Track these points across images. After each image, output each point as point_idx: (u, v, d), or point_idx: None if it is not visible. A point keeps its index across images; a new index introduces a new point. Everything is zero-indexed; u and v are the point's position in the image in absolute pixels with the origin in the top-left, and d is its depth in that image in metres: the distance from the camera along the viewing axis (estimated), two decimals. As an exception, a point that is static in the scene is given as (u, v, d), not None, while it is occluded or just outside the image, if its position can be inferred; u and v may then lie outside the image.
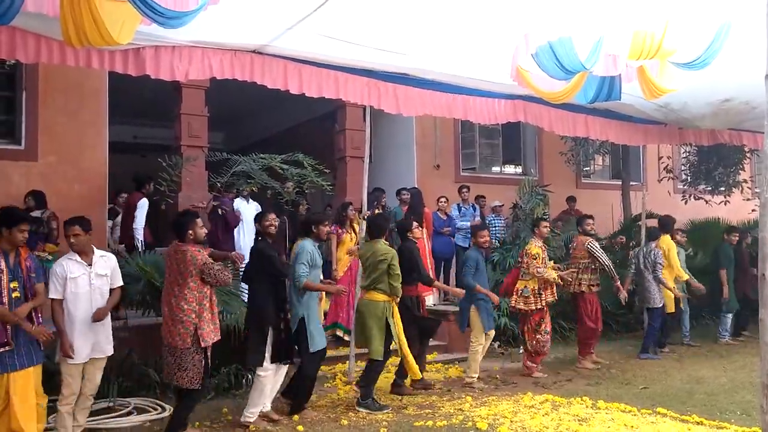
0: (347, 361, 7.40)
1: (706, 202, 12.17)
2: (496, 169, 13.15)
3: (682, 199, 12.37)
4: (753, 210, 13.15)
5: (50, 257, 7.65)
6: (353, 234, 8.54)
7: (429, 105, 7.59)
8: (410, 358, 6.24)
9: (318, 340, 5.76)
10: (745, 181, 12.42)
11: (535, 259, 7.47)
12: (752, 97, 8.38)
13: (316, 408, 6.07)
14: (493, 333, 7.19)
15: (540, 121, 8.53)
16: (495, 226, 11.34)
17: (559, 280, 7.57)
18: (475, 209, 10.95)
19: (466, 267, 7.05)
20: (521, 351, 8.10)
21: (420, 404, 6.26)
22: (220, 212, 7.63)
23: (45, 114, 8.65)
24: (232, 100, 11.36)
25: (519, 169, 13.50)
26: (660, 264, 8.49)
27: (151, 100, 12.86)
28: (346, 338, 8.09)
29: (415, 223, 7.41)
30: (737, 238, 9.90)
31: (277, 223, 5.86)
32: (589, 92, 7.25)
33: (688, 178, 12.31)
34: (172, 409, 5.97)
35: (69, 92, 8.78)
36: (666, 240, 8.95)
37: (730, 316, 9.59)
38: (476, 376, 6.99)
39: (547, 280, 7.42)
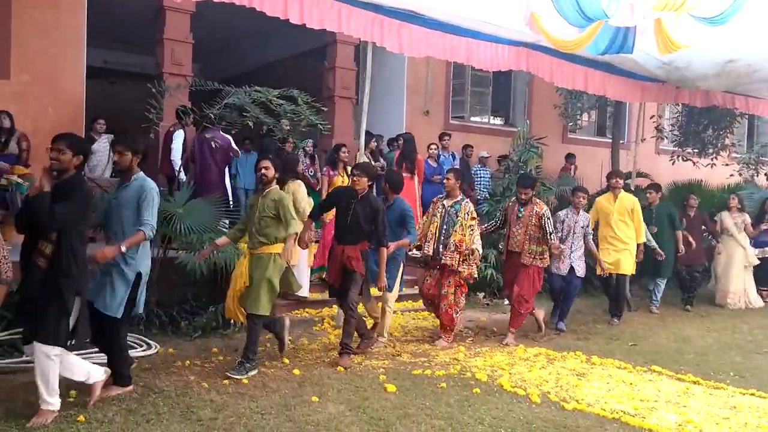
0: (334, 305, 7.24)
1: (694, 163, 12.21)
2: (484, 118, 12.91)
3: (670, 160, 12.38)
4: (731, 175, 13.32)
5: (20, 180, 7.26)
6: (345, 177, 8.28)
7: (433, 46, 7.29)
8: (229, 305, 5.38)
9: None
10: (733, 144, 12.47)
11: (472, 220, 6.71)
12: (755, 60, 8.32)
13: (310, 351, 5.93)
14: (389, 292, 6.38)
15: (541, 70, 8.33)
16: (481, 177, 11.22)
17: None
18: (454, 158, 10.75)
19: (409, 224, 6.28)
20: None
21: (414, 352, 6.17)
22: (213, 146, 7.25)
23: (19, 29, 8.04)
24: (212, 29, 10.79)
25: (500, 120, 13.30)
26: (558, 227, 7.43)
27: (126, 22, 12.16)
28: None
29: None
30: (654, 196, 8.97)
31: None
32: (600, 44, 7.05)
33: (679, 138, 12.27)
34: (157, 346, 5.83)
35: (44, 7, 8.16)
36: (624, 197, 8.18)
37: (663, 282, 8.85)
38: (386, 336, 6.48)
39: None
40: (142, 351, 5.72)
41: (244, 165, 9.38)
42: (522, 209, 6.81)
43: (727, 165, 13.03)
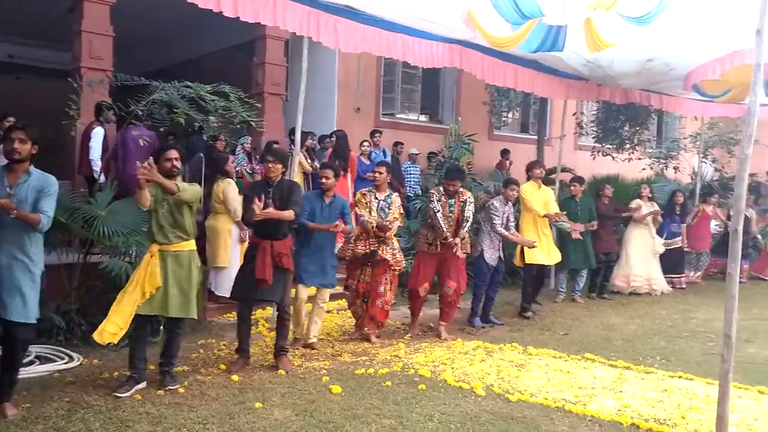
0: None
1: (613, 158, 12.72)
2: (413, 116, 12.98)
3: (591, 155, 12.85)
4: (643, 168, 13.99)
5: None
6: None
7: (369, 42, 7.22)
8: (110, 319, 4.72)
9: None
10: (648, 140, 13.07)
11: (356, 205, 6.56)
12: (672, 59, 8.72)
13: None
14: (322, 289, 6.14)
15: (474, 68, 8.43)
16: (411, 174, 11.27)
17: (376, 228, 6.40)
18: (386, 155, 10.76)
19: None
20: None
21: (354, 351, 6.11)
22: (142, 143, 6.92)
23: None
24: (134, 21, 10.32)
25: (429, 117, 13.41)
26: (493, 215, 7.32)
27: (36, 15, 11.48)
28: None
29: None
30: (578, 189, 9.10)
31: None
32: (532, 42, 7.18)
33: (598, 134, 12.75)
34: (80, 358, 5.50)
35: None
36: (527, 185, 8.13)
37: (567, 272, 9.00)
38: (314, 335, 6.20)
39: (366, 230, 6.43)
40: (64, 363, 5.37)
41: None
42: (452, 202, 6.81)
43: (640, 159, 13.67)
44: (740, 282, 10.69)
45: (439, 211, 6.70)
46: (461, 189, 6.89)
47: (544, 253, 7.93)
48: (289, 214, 5.35)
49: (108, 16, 8.86)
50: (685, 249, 10.73)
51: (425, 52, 7.77)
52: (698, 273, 11.12)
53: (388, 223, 6.38)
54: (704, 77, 9.14)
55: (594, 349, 6.30)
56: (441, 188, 6.92)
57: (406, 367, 5.50)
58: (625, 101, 10.76)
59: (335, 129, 10.25)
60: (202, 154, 8.06)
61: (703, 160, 13.38)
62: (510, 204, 7.52)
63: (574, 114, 12.92)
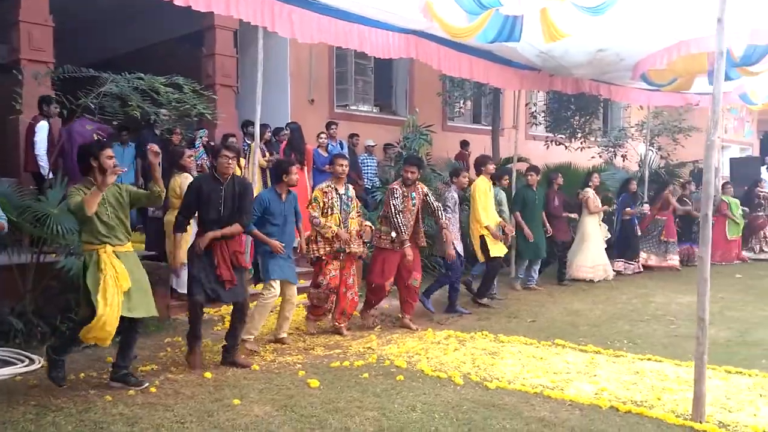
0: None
1: (566, 147, 12.98)
2: (367, 107, 12.91)
3: (544, 144, 13.07)
4: (593, 157, 14.35)
5: None
6: (237, 168, 7.89)
7: (325, 32, 7.09)
8: (104, 323, 4.36)
9: None
10: (599, 129, 13.38)
11: (312, 203, 6.35)
12: (623, 49, 8.92)
13: (217, 353, 5.58)
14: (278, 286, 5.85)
15: (430, 59, 8.41)
16: (368, 166, 11.21)
17: (335, 237, 6.25)
18: (342, 147, 10.68)
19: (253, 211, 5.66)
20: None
21: (326, 345, 6.03)
22: (96, 137, 6.60)
23: None
24: (75, 10, 9.90)
25: (383, 109, 13.38)
26: (449, 207, 7.36)
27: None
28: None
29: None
30: (535, 178, 9.08)
31: None
32: (489, 33, 7.20)
33: (551, 124, 12.98)
34: (42, 360, 5.22)
35: None
36: (476, 182, 8.00)
37: (526, 261, 9.06)
38: (254, 335, 5.75)
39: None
40: (25, 366, 5.01)
41: (121, 158, 8.67)
42: (414, 194, 6.72)
43: (589, 148, 14.02)
44: (687, 265, 11.09)
45: (400, 212, 6.54)
46: (419, 182, 6.82)
47: (500, 245, 7.95)
48: (236, 229, 5.24)
49: (47, 4, 8.46)
50: (663, 239, 11.04)
51: (381, 43, 7.70)
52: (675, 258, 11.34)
53: (348, 237, 6.32)
54: (652, 67, 9.40)
55: (562, 334, 6.39)
56: (400, 182, 6.78)
57: (381, 359, 5.45)
58: (576, 91, 10.96)
59: (289, 121, 10.08)
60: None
61: (650, 148, 13.81)
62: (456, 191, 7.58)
63: (527, 104, 13.11)
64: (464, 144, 12.37)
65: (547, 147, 13.11)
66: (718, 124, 3.99)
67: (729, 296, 8.54)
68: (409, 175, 6.71)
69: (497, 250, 7.84)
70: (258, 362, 5.34)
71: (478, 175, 8.14)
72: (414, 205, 6.73)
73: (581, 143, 13.03)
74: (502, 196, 8.50)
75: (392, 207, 6.56)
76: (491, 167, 8.22)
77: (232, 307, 5.39)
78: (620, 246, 10.59)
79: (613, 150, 14.71)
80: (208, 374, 4.95)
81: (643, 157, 14.87)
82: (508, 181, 8.96)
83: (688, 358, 5.47)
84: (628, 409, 4.23)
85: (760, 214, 13.46)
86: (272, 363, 5.36)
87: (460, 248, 7.46)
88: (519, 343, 6.07)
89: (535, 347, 5.94)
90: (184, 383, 4.76)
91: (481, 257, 7.92)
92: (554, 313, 7.58)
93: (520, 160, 10.48)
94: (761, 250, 13.43)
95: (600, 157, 14.57)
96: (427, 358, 5.51)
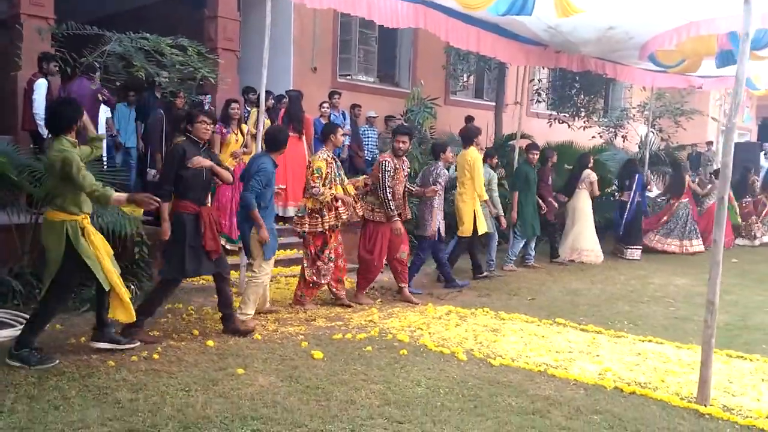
0: (236, 271, 6.84)
1: (569, 126, 12.88)
2: (370, 78, 12.74)
3: (547, 122, 12.97)
4: (593, 137, 14.27)
5: None
6: (239, 135, 7.80)
7: (333, -3, 6.97)
8: (121, 293, 4.49)
9: None
10: (601, 108, 13.28)
11: (314, 174, 6.10)
12: (633, 28, 8.78)
13: (218, 321, 5.55)
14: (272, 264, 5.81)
15: (438, 29, 8.25)
16: (369, 138, 11.10)
17: (336, 203, 6.17)
18: (345, 117, 10.55)
19: (255, 179, 5.42)
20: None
21: (327, 316, 6.01)
22: (101, 98, 6.47)
23: None
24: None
25: (386, 80, 13.21)
26: (440, 184, 7.22)
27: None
28: (229, 247, 7.52)
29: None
30: (537, 156, 9.09)
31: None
32: (501, 5, 7.06)
33: (555, 101, 12.88)
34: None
35: None
36: (471, 152, 7.74)
37: (522, 241, 8.92)
38: (251, 313, 5.60)
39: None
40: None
41: (127, 120, 8.53)
42: (404, 166, 6.62)
43: (590, 128, 13.94)
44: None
45: (391, 188, 6.42)
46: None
47: (484, 220, 7.82)
48: (228, 176, 5.27)
49: (47, -43, 8.21)
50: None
51: (390, 11, 7.54)
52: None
53: (353, 201, 6.30)
54: (661, 47, 9.26)
55: (562, 313, 6.40)
56: (390, 154, 6.61)
57: (383, 332, 5.44)
58: (581, 69, 10.82)
59: (290, 89, 9.93)
60: (162, 111, 7.62)
61: (651, 129, 13.75)
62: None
63: (531, 81, 12.99)
64: (469, 119, 12.24)
65: (550, 125, 13.01)
66: (738, 106, 3.92)
67: (726, 280, 8.46)
68: (401, 145, 6.58)
69: (483, 227, 7.74)
70: (260, 332, 5.31)
71: (466, 146, 7.86)
72: (405, 177, 6.66)
73: (584, 122, 12.93)
74: (493, 176, 8.37)
75: (384, 180, 6.42)
76: (480, 140, 8.09)
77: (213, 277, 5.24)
78: (632, 229, 10.38)
79: (614, 130, 14.63)
80: (210, 342, 4.93)
81: (643, 139, 14.84)
82: (496, 161, 8.84)
83: (689, 341, 5.53)
84: (633, 390, 4.24)
85: (749, 200, 13.33)
86: (274, 333, 5.33)
87: (443, 227, 7.33)
88: (520, 321, 6.07)
89: (536, 325, 5.94)
90: (187, 351, 4.74)
91: (468, 232, 7.66)
92: (554, 291, 7.58)
93: (523, 136, 10.39)
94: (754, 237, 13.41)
95: (600, 137, 14.49)
96: (430, 333, 5.50)
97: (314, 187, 6.07)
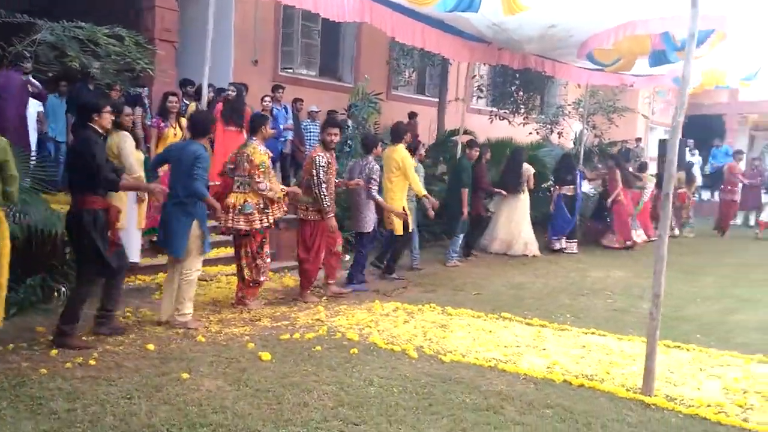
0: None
1: (509, 122, 13.07)
2: (312, 72, 12.57)
3: (488, 118, 13.12)
4: (530, 133, 14.56)
5: None
6: (178, 129, 7.54)
7: (279, -13, 6.82)
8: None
9: None
10: (539, 105, 13.55)
11: (260, 169, 5.88)
12: (574, 26, 8.98)
13: (160, 324, 5.35)
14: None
15: (383, 24, 8.22)
16: (310, 132, 10.95)
17: (286, 198, 6.16)
18: (287, 111, 10.39)
19: (199, 167, 5.19)
20: (348, 258, 7.95)
21: (272, 316, 5.87)
22: (31, 90, 6.09)
23: None
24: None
25: (328, 74, 13.07)
26: (375, 180, 7.12)
27: None
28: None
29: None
30: (477, 153, 9.17)
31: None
32: (448, 1, 7.09)
33: (496, 98, 13.05)
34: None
35: None
36: (400, 150, 7.54)
37: (461, 236, 8.97)
38: (190, 312, 5.37)
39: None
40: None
41: (57, 110, 8.09)
42: (333, 160, 6.50)
43: (528, 124, 14.21)
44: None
45: (326, 183, 6.29)
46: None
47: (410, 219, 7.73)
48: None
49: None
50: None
51: (336, 5, 7.43)
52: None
53: (299, 191, 6.25)
54: (599, 46, 9.51)
55: (507, 307, 6.47)
56: (321, 147, 6.48)
57: (331, 331, 5.35)
58: (522, 66, 11.01)
59: (231, 81, 9.69)
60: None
61: (586, 126, 14.13)
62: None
63: (474, 77, 13.11)
64: (412, 115, 12.26)
65: (491, 121, 13.18)
66: (684, 105, 4.03)
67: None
68: (333, 137, 6.46)
69: (412, 223, 7.68)
70: (203, 333, 5.14)
71: (395, 143, 7.66)
72: (335, 171, 6.53)
73: (524, 119, 13.17)
74: (419, 168, 8.20)
75: (319, 176, 6.26)
76: (409, 137, 8.01)
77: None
78: (565, 224, 10.64)
79: (550, 127, 14.96)
80: (150, 346, 4.72)
81: (578, 135, 15.23)
82: (423, 154, 8.75)
83: (629, 332, 5.69)
84: (581, 383, 4.31)
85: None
86: (218, 334, 5.16)
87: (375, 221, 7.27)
88: (467, 316, 6.10)
89: (483, 320, 5.98)
90: (126, 356, 4.52)
91: (401, 230, 7.51)
92: (498, 286, 7.67)
93: (465, 132, 10.47)
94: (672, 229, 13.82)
95: (537, 133, 14.80)
96: (379, 330, 5.45)
97: (260, 182, 5.88)
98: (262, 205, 5.94)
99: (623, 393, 4.15)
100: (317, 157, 6.35)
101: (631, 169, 12.34)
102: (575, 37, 9.40)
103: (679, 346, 5.31)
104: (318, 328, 5.42)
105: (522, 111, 13.04)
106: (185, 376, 4.13)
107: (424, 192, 7.66)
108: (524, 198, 10.07)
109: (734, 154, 15.14)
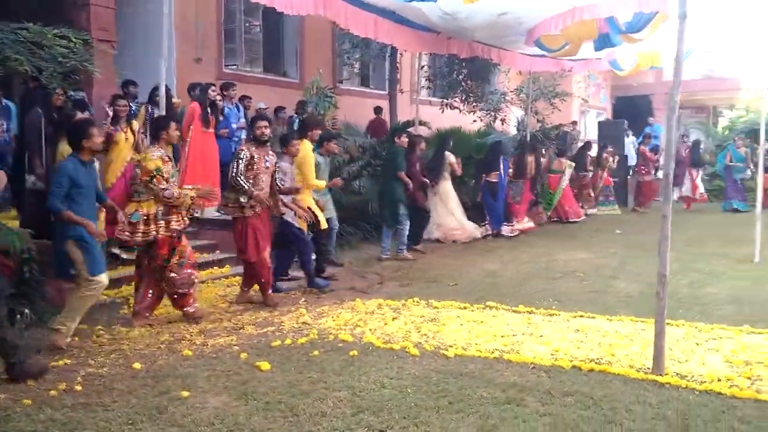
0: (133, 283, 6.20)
1: (460, 111, 13.09)
2: (256, 68, 12.19)
3: (440, 109, 13.10)
4: (474, 121, 14.67)
5: None
6: (129, 134, 7.12)
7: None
8: None
9: None
10: (490, 93, 13.64)
11: (157, 176, 5.33)
12: (524, 14, 9.05)
13: (136, 340, 5.01)
14: (105, 279, 5.03)
15: (337, 16, 8.06)
16: (260, 130, 10.63)
17: (198, 201, 5.89)
18: (239, 110, 10.04)
19: (54, 185, 4.75)
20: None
21: (254, 322, 5.62)
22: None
23: None
24: None
25: (271, 70, 12.73)
26: (282, 178, 6.66)
27: None
28: (124, 256, 6.88)
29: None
30: (406, 140, 8.93)
31: None
32: (402, -12, 7.00)
33: (444, 88, 13.04)
34: None
35: None
36: (305, 146, 7.14)
37: (407, 226, 8.68)
38: (70, 328, 4.91)
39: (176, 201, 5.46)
40: None
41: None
42: (267, 156, 6.20)
43: (473, 112, 14.31)
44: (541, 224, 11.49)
45: (244, 175, 5.98)
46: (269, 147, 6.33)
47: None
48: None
49: None
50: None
51: (288, -2, 7.24)
52: None
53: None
54: (547, 32, 9.62)
55: (489, 296, 6.41)
56: (250, 141, 6.32)
57: (322, 334, 5.16)
58: (470, 55, 11.04)
59: (194, 82, 9.27)
60: (40, 110, 6.71)
61: (529, 112, 14.33)
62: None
63: (422, 68, 13.06)
64: (378, 110, 12.02)
65: (443, 111, 13.17)
66: (679, 87, 4.04)
67: (621, 251, 9.10)
68: (264, 130, 6.19)
69: (323, 219, 7.26)
70: (188, 347, 4.84)
71: (302, 138, 7.28)
72: (267, 168, 6.19)
73: (473, 107, 13.23)
74: (324, 163, 7.79)
75: (237, 168, 5.99)
76: (317, 133, 7.66)
77: None
78: (505, 207, 10.74)
79: (493, 114, 15.11)
80: (137, 365, 4.40)
81: (520, 121, 15.46)
82: (335, 147, 8.32)
83: (615, 312, 5.76)
84: (591, 367, 4.29)
85: (586, 174, 13.91)
86: (204, 347, 4.88)
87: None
88: (454, 308, 6.02)
89: (471, 311, 5.91)
90: (113, 377, 4.20)
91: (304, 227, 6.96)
92: (471, 275, 7.63)
93: (421, 123, 10.40)
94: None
95: (481, 120, 14.92)
96: (370, 329, 5.29)
97: (165, 189, 5.35)
98: (159, 215, 5.43)
99: (635, 374, 4.16)
100: (239, 151, 6.18)
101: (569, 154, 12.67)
102: (524, 24, 9.47)
103: (669, 323, 5.37)
104: (307, 332, 5.21)
105: (471, 99, 13.09)
106: (185, 394, 3.86)
107: (322, 184, 7.37)
108: (447, 185, 10.03)
109: (643, 138, 15.63)
